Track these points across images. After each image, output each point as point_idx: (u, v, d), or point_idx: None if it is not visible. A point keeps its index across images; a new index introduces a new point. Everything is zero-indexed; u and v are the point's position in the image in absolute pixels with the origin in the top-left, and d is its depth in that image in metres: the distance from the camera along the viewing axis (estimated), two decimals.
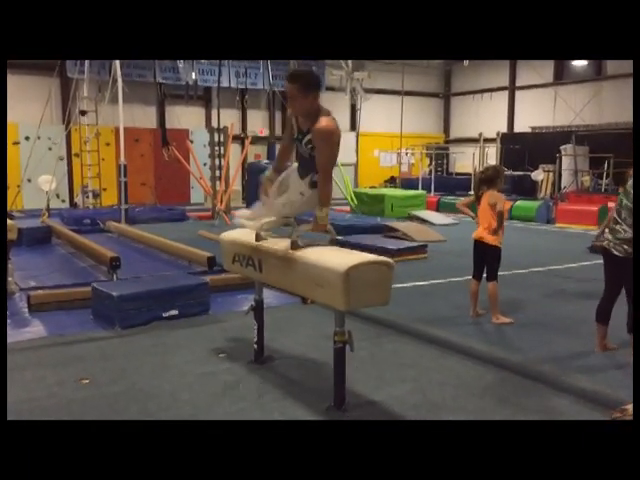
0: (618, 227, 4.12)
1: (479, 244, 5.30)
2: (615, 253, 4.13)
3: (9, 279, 6.40)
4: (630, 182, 4.05)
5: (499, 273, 5.34)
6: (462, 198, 14.62)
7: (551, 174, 17.36)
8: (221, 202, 12.92)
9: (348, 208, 14.90)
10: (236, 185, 14.81)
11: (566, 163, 17.09)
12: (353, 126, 21.12)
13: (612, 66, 17.70)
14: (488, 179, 5.34)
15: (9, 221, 6.45)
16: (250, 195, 13.20)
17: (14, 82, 15.79)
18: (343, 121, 21.23)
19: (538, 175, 17.09)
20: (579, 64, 19.32)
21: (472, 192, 5.71)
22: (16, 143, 15.72)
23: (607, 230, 4.28)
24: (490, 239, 5.20)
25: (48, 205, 12.41)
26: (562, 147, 17.10)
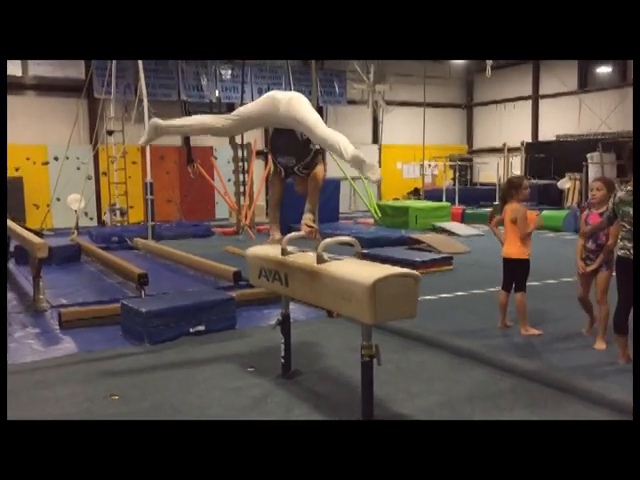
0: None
1: (507, 260, 5.27)
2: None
3: (40, 297, 6.53)
4: (622, 194, 4.16)
5: (528, 284, 5.28)
6: (487, 209, 14.46)
7: (577, 182, 17.13)
8: (246, 217, 13.02)
9: (372, 221, 14.88)
10: (260, 200, 14.91)
11: (593, 171, 16.84)
12: (375, 139, 21.14)
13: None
14: (505, 193, 5.36)
15: (40, 240, 6.59)
16: None
17: (43, 104, 16.22)
18: (365, 134, 21.28)
19: (564, 184, 16.87)
20: (603, 71, 19.10)
21: (497, 202, 5.69)
22: (45, 163, 16.07)
23: (622, 241, 4.25)
24: (516, 253, 5.16)
25: (77, 223, 12.62)
26: (588, 155, 16.88)
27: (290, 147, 3.99)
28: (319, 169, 4.04)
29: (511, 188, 5.28)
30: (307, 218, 3.92)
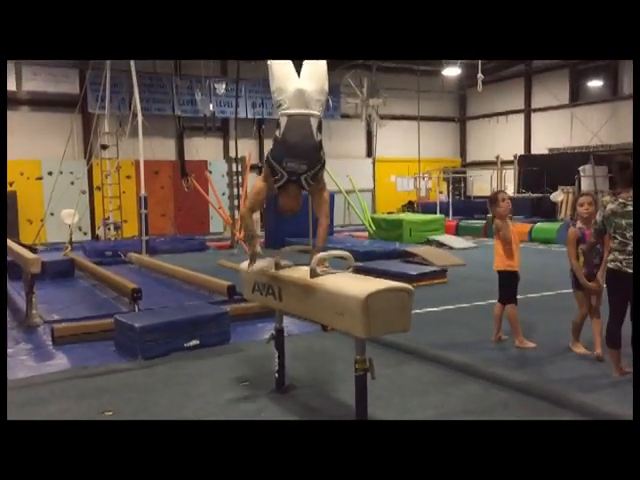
0: (629, 248, 4.09)
1: (497, 272, 5.36)
2: (629, 271, 4.07)
3: (33, 312, 6.50)
4: (614, 206, 4.17)
5: (523, 296, 5.32)
6: (482, 222, 14.47)
7: (571, 195, 17.23)
8: (240, 231, 13.02)
9: (366, 234, 14.90)
10: (255, 214, 14.92)
11: (585, 184, 16.95)
12: (369, 152, 21.26)
13: (628, 85, 17.65)
14: (489, 210, 5.55)
15: (33, 255, 6.57)
16: (269, 223, 13.32)
17: (37, 119, 16.25)
18: (359, 147, 21.40)
19: (557, 196, 16.97)
20: (594, 85, 19.30)
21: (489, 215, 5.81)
22: (39, 178, 16.06)
23: (613, 254, 4.21)
24: (499, 265, 5.27)
25: (71, 238, 12.58)
26: (581, 168, 17.00)
27: (305, 151, 3.72)
28: (324, 192, 3.91)
29: (491, 204, 5.42)
30: (320, 259, 3.60)
